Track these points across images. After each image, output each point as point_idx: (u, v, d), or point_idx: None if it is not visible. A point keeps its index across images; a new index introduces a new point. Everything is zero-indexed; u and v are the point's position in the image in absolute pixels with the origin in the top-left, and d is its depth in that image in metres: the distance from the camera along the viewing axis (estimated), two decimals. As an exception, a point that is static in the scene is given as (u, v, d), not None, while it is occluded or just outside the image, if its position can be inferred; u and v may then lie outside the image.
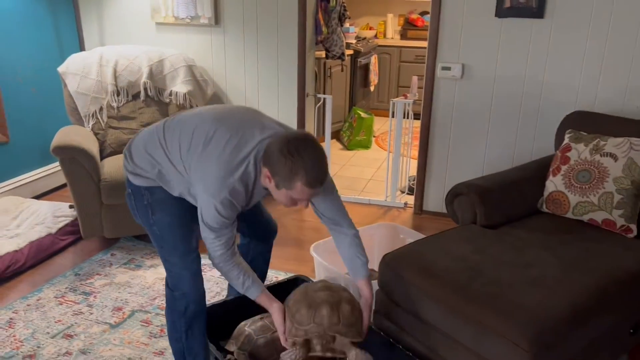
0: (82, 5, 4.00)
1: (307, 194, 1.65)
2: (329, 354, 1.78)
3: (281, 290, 2.35)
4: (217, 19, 3.76)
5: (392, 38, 6.59)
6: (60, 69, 3.38)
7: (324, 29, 4.20)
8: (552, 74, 3.20)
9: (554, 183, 2.52)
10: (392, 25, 6.62)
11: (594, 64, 3.10)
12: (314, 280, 2.21)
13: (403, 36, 6.55)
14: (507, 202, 2.50)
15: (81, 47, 4.04)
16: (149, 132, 1.89)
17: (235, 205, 1.70)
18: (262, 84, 3.80)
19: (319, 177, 1.64)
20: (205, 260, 2.98)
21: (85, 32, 4.05)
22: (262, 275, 2.31)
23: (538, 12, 3.12)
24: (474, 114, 3.43)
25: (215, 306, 2.23)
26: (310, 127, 3.98)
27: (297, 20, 3.60)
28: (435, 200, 3.65)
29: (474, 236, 2.29)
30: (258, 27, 3.68)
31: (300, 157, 1.60)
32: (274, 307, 1.85)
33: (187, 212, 1.87)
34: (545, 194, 2.55)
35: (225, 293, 2.70)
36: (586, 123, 2.66)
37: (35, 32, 3.74)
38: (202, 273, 2.87)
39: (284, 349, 2.01)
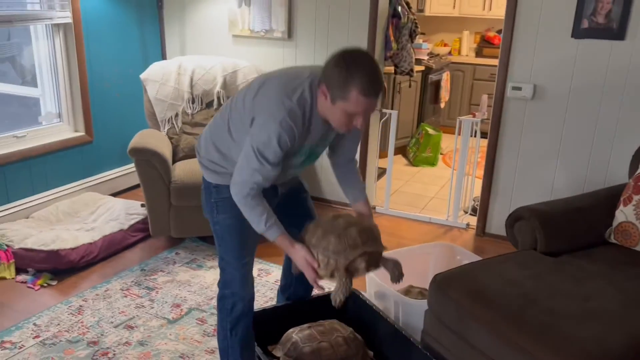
0: (166, 17, 4.26)
1: (363, 104, 1.64)
2: (371, 269, 1.85)
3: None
4: (290, 33, 3.88)
5: (466, 55, 6.50)
6: (142, 75, 3.61)
7: (393, 45, 4.21)
8: (631, 98, 3.04)
9: (624, 213, 2.39)
10: (468, 43, 6.52)
11: (678, 89, 2.92)
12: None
13: (478, 54, 6.43)
14: (571, 229, 2.40)
15: (163, 56, 4.30)
16: (212, 120, 2.00)
17: (293, 131, 1.69)
18: (330, 97, 3.87)
19: (374, 86, 1.63)
20: (261, 266, 3.09)
21: (167, 41, 4.30)
22: (308, 284, 2.36)
23: (619, 33, 2.98)
24: (544, 136, 3.31)
25: (266, 311, 2.30)
26: (374, 142, 4.00)
27: (367, 36, 3.64)
28: (498, 223, 3.55)
29: (532, 262, 2.22)
30: (329, 42, 3.76)
31: (355, 65, 1.62)
32: (296, 247, 1.82)
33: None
34: (614, 224, 2.42)
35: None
36: (665, 152, 2.51)
37: (123, 41, 4.02)
38: (259, 278, 2.97)
39: (330, 358, 2.04)
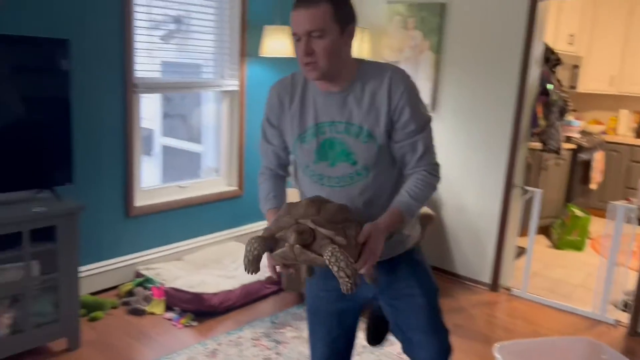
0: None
1: (294, 19, 1.53)
2: (297, 250, 1.40)
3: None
4: (434, 106, 3.96)
5: (623, 135, 6.05)
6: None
7: (541, 122, 4.09)
8: None
9: None
10: (626, 122, 6.08)
11: None
12: None
13: (638, 134, 5.96)
14: None
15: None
16: None
17: (277, 98, 1.71)
18: (468, 169, 3.83)
19: None
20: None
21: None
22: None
23: None
24: None
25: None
26: (515, 218, 3.84)
27: (513, 112, 3.60)
28: (655, 324, 3.17)
29: (696, 376, 1.95)
30: (473, 116, 3.76)
31: None
32: None
33: (323, 307, 1.82)
34: None
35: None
36: None
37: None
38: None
39: None
